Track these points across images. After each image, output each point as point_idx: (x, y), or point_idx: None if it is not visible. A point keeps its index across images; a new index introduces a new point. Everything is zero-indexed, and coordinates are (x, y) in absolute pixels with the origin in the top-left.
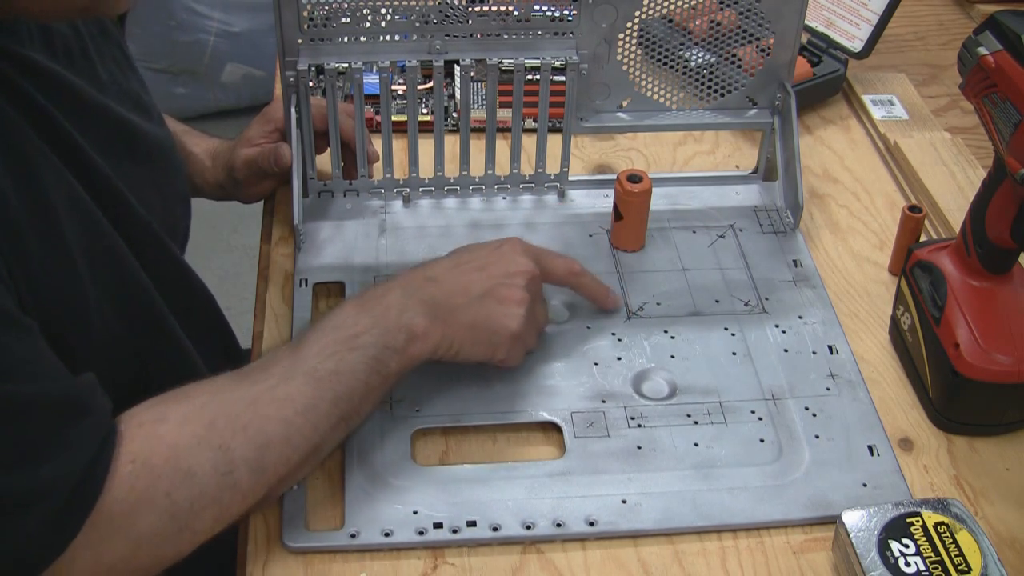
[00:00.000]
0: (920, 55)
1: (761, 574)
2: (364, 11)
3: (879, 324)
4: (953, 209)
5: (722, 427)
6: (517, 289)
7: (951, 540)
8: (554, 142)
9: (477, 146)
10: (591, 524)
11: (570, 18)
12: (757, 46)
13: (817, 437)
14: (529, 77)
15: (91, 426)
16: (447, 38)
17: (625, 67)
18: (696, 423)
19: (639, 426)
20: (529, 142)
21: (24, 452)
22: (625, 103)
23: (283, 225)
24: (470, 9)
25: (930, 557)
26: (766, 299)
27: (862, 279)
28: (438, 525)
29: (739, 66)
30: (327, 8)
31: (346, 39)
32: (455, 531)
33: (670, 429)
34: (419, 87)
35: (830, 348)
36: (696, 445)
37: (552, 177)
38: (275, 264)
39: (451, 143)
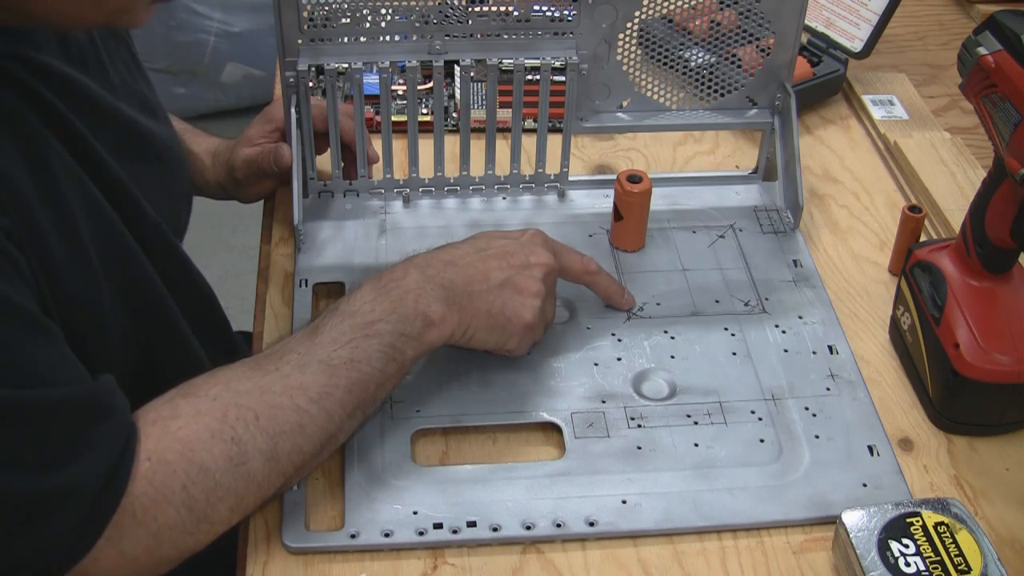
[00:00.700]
0: (920, 55)
1: (761, 574)
2: (364, 11)
3: (879, 324)
4: (953, 209)
5: (722, 427)
6: (535, 281)
7: (951, 540)
8: (554, 142)
9: (477, 146)
10: (591, 524)
11: (570, 18)
12: (757, 46)
13: (817, 437)
14: (529, 77)
15: (114, 427)
16: (447, 38)
17: (625, 67)
18: (696, 423)
19: (639, 426)
20: (529, 142)
21: (51, 455)
22: (625, 103)
23: (283, 225)
24: (470, 9)
25: (930, 557)
26: (766, 299)
27: (862, 279)
28: (438, 525)
29: (739, 66)
30: (327, 8)
31: (346, 39)
32: (455, 531)
33: (670, 429)
34: (419, 87)
35: (830, 348)
36: (696, 445)
37: (552, 177)
38: (275, 264)
39: (451, 143)
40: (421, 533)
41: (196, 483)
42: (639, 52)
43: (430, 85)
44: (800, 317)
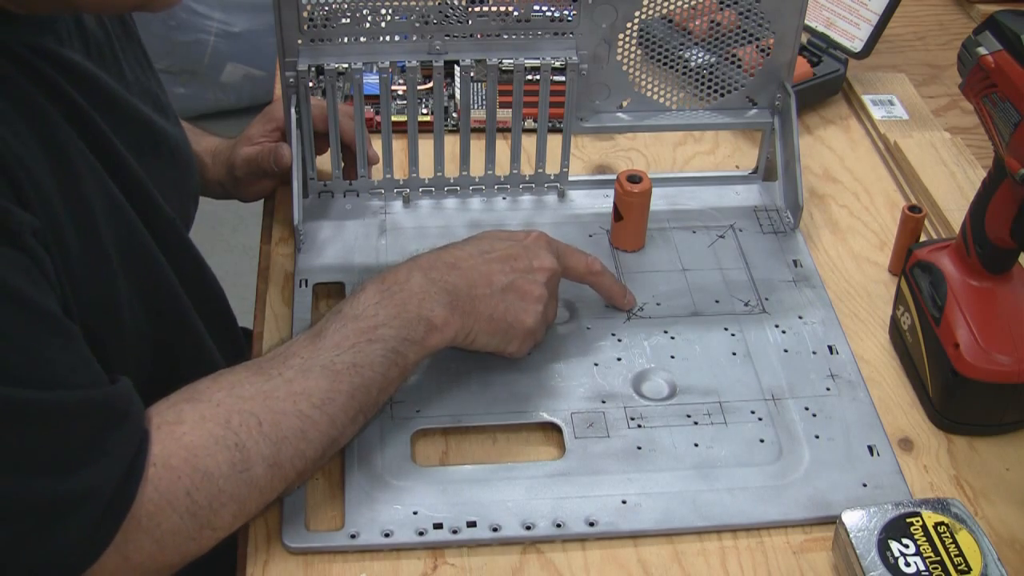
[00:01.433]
0: (920, 55)
1: (761, 574)
2: (364, 11)
3: (879, 324)
4: (953, 209)
5: (722, 427)
6: (538, 285)
7: (951, 540)
8: (554, 142)
9: (477, 146)
10: (591, 524)
11: (570, 18)
12: (757, 46)
13: (817, 437)
14: (529, 77)
15: (128, 432)
16: (447, 38)
17: (625, 67)
18: (696, 423)
19: (639, 426)
20: (529, 142)
21: (67, 458)
22: (625, 103)
23: (283, 225)
24: (470, 9)
25: (930, 557)
26: (766, 299)
27: (862, 279)
28: (438, 525)
29: (739, 66)
30: (327, 8)
31: (346, 39)
32: (455, 531)
33: (670, 429)
34: (419, 87)
35: (830, 348)
36: (696, 445)
37: (552, 177)
38: (275, 264)
39: (451, 143)
40: (421, 533)
41: (200, 489)
42: (639, 52)
43: (430, 85)
44: (800, 317)
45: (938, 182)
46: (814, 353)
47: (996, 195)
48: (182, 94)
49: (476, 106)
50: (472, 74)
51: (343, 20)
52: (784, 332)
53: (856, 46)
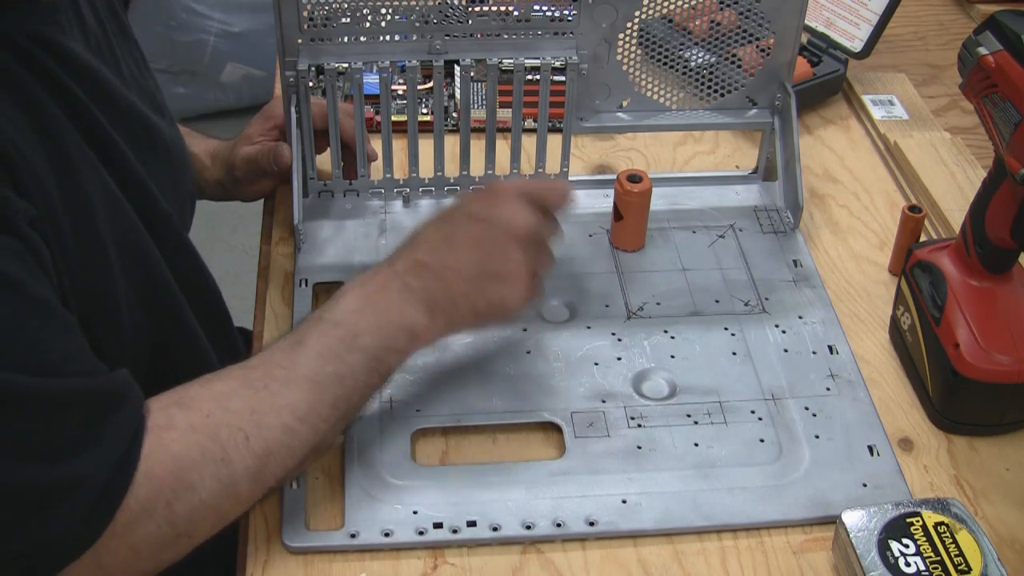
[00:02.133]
0: (920, 55)
1: (761, 574)
2: (364, 11)
3: (879, 324)
4: (953, 209)
5: (722, 427)
6: (514, 261)
7: (951, 540)
8: (554, 142)
9: (477, 146)
10: (591, 524)
11: (570, 18)
12: (757, 46)
13: (817, 437)
14: (529, 77)
15: (125, 418)
16: (447, 38)
17: (625, 67)
18: (696, 423)
19: (639, 426)
20: (529, 142)
21: (59, 445)
22: (625, 103)
23: (283, 225)
24: (470, 9)
25: (930, 557)
26: (766, 299)
27: (862, 279)
28: (438, 525)
29: (739, 66)
30: (327, 8)
31: (346, 39)
32: (455, 531)
33: (670, 429)
34: (419, 87)
35: (830, 348)
36: (696, 445)
37: (552, 177)
38: (275, 264)
39: (451, 143)
40: (421, 533)
41: (181, 501)
42: (639, 52)
43: (430, 85)
44: (800, 317)
45: (938, 182)
46: (814, 353)
47: (996, 195)
48: (182, 94)
49: (476, 106)
50: (472, 74)
51: (343, 20)
52: (784, 332)
53: (856, 46)
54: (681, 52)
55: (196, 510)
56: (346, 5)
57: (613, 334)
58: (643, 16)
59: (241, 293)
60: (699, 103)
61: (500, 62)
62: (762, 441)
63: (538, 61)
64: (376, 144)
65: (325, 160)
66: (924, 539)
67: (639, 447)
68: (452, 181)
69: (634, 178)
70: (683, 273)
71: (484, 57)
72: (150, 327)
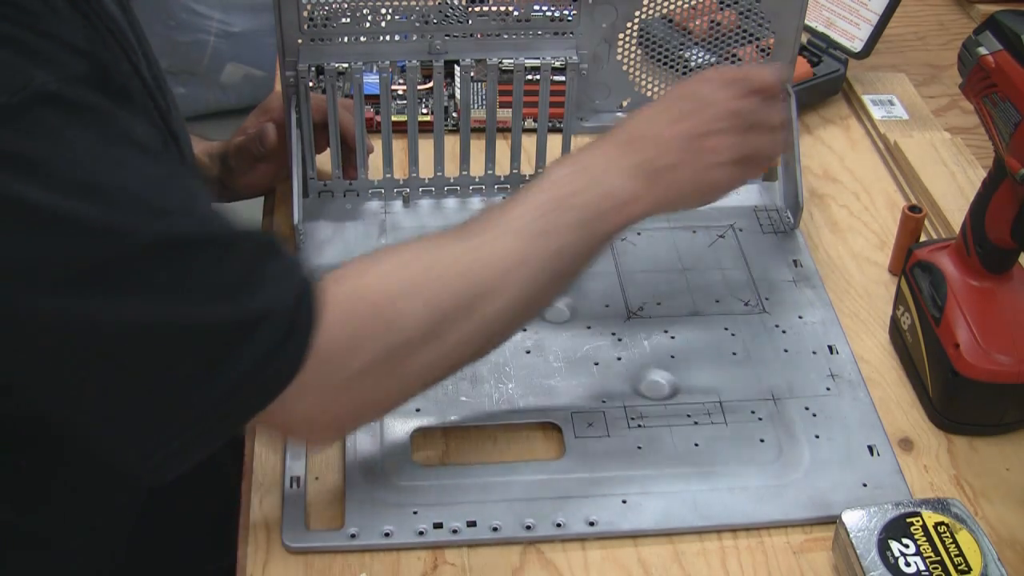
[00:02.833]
0: (920, 55)
1: (761, 574)
2: (364, 11)
3: (879, 324)
4: (953, 209)
5: (722, 427)
6: (723, 137)
7: (951, 540)
8: (554, 142)
9: (477, 146)
10: (591, 524)
11: (570, 18)
12: (757, 46)
13: (817, 437)
14: (529, 77)
15: (291, 265)
16: (447, 38)
17: (625, 67)
18: (696, 423)
19: (639, 426)
20: (529, 142)
21: (237, 284)
22: (625, 103)
23: (283, 225)
24: (470, 9)
25: (930, 557)
26: (766, 299)
27: (862, 279)
28: (438, 525)
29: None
30: (327, 8)
31: (346, 39)
32: (455, 531)
33: (670, 429)
34: (419, 87)
35: (830, 348)
36: (696, 445)
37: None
38: None
39: (451, 143)
40: (421, 533)
41: (387, 336)
42: (639, 52)
43: (430, 85)
44: (800, 317)
45: (938, 182)
46: (814, 353)
47: (996, 195)
48: (182, 94)
49: (476, 106)
50: (472, 74)
51: (343, 20)
52: (784, 332)
53: (856, 46)
54: (681, 52)
55: (403, 346)
56: (346, 5)
57: (613, 334)
58: (643, 16)
59: None
60: None
61: (500, 62)
62: (762, 441)
63: (538, 61)
64: (376, 144)
65: (325, 160)
66: (924, 539)
67: (639, 447)
68: (452, 181)
69: None
70: (683, 273)
71: (484, 57)
72: None
